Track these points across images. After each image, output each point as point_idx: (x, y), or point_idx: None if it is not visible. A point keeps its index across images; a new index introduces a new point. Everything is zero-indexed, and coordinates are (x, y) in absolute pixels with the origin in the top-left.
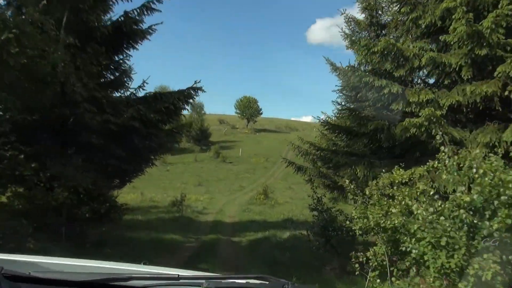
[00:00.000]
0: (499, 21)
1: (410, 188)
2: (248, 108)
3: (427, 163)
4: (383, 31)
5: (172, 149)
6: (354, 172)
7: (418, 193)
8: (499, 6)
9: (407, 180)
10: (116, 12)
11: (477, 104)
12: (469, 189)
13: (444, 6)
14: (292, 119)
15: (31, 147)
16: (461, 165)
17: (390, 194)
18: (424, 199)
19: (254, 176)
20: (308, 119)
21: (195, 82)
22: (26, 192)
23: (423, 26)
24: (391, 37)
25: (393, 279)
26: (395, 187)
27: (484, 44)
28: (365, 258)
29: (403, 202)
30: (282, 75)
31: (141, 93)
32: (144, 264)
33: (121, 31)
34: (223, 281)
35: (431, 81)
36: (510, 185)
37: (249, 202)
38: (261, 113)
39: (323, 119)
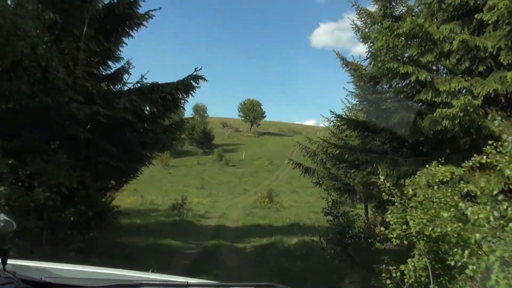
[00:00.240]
0: None
1: (463, 186)
2: (252, 111)
3: (472, 158)
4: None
5: (171, 147)
6: (376, 171)
7: (478, 193)
8: None
9: (448, 179)
10: None
11: None
12: None
13: None
14: (296, 122)
15: (8, 141)
16: None
17: (429, 196)
18: (486, 200)
19: (257, 179)
20: (311, 123)
21: (196, 70)
22: (2, 192)
23: (451, 8)
24: None
25: None
26: (435, 187)
27: None
28: (398, 273)
29: (460, 204)
30: (285, 78)
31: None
32: (152, 272)
33: (113, 13)
34: None
35: (460, 69)
36: None
37: (253, 205)
38: (265, 116)
39: (334, 116)
